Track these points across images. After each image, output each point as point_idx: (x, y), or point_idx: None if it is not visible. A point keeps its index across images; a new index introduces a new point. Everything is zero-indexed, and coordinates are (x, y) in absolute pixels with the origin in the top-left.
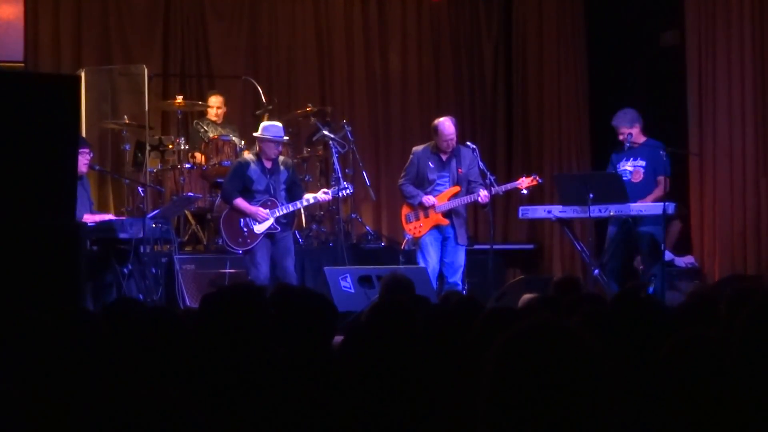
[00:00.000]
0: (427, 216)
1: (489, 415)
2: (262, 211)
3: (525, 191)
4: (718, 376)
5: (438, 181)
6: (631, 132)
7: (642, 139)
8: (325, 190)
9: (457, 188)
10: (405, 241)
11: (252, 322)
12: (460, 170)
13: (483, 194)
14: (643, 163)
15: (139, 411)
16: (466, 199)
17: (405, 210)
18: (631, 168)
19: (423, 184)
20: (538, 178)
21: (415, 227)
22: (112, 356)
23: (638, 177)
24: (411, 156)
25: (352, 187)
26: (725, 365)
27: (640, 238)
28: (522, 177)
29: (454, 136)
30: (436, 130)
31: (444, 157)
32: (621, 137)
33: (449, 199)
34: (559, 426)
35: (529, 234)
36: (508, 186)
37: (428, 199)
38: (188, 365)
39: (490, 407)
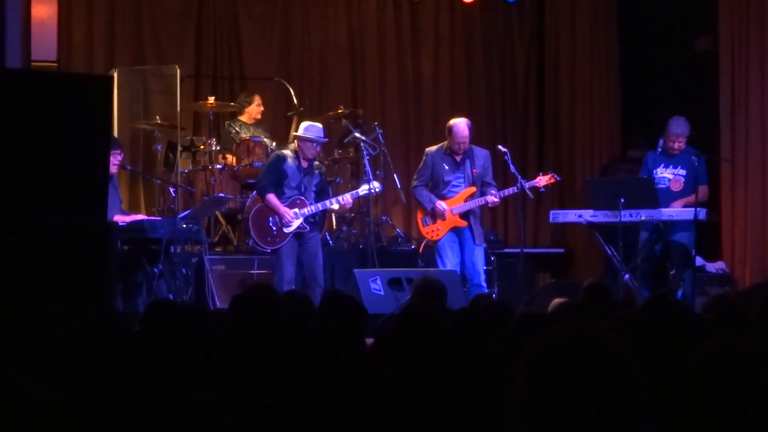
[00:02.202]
0: (444, 218)
1: (520, 420)
2: (289, 214)
3: (543, 189)
4: (748, 383)
5: (453, 182)
6: (684, 140)
7: (683, 147)
8: (352, 192)
9: (473, 189)
10: (423, 244)
11: (278, 323)
12: (474, 171)
13: (491, 200)
14: (683, 171)
15: (169, 412)
16: (480, 201)
17: (420, 213)
18: (670, 176)
19: (439, 185)
20: (556, 176)
21: (433, 230)
22: (144, 357)
23: (678, 186)
24: (424, 157)
25: (380, 186)
26: (755, 373)
27: (672, 246)
28: (539, 175)
29: (466, 140)
30: (449, 131)
31: (458, 158)
32: (676, 145)
33: (465, 201)
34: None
35: (559, 238)
36: (526, 184)
37: (440, 206)
38: (219, 366)
39: (521, 412)
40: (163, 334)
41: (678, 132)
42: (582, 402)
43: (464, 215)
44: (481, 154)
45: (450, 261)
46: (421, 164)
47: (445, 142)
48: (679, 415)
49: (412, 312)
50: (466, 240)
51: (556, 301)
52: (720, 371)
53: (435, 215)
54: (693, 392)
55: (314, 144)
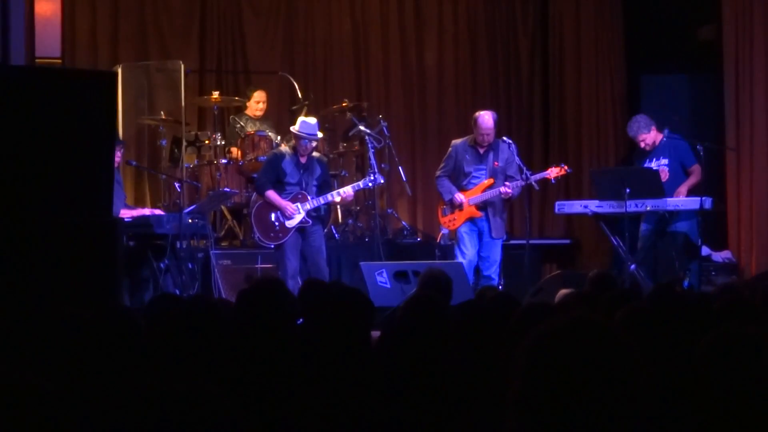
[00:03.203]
0: (461, 209)
1: (518, 410)
2: (291, 207)
3: (553, 180)
4: (757, 372)
5: (474, 174)
6: (649, 135)
7: (659, 137)
8: (353, 184)
9: (491, 181)
10: (440, 235)
11: (286, 317)
12: (496, 163)
13: (503, 190)
14: (666, 161)
15: (175, 406)
16: (495, 192)
17: (441, 204)
18: (655, 167)
19: (460, 176)
20: (566, 167)
21: (450, 220)
22: (150, 350)
23: (665, 176)
24: (450, 149)
25: (382, 177)
26: (764, 362)
27: (675, 236)
28: (551, 167)
29: (491, 131)
30: (475, 123)
31: (481, 150)
32: (642, 144)
33: (483, 192)
34: (590, 424)
35: (565, 229)
36: (537, 176)
37: (457, 197)
38: (225, 360)
39: (520, 402)
40: (166, 327)
41: (631, 134)
42: (582, 392)
43: (481, 207)
44: (506, 147)
45: (468, 252)
46: (446, 155)
47: (471, 135)
48: (688, 404)
49: (416, 305)
50: (484, 232)
51: (563, 291)
52: (729, 360)
53: (453, 206)
54: (701, 381)
55: (305, 141)
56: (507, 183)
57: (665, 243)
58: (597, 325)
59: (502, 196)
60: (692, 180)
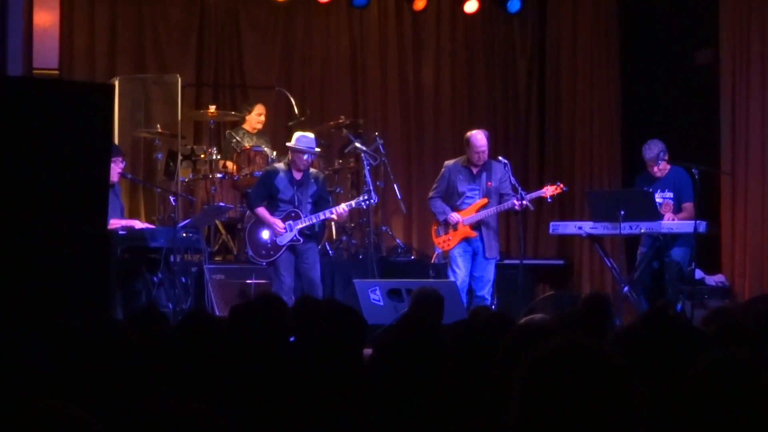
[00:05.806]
0: (455, 229)
1: None
2: (279, 225)
3: (549, 199)
4: (751, 397)
5: (468, 194)
6: (663, 162)
7: (668, 168)
8: (348, 203)
9: (485, 201)
10: (435, 254)
11: (280, 334)
12: (489, 183)
13: (517, 202)
14: (670, 194)
15: (166, 421)
16: (494, 209)
17: (434, 224)
18: (660, 200)
19: (453, 196)
20: (562, 185)
21: (444, 241)
22: (139, 364)
23: (668, 209)
24: (443, 169)
25: (376, 197)
26: (759, 386)
27: (667, 265)
28: (546, 185)
29: (485, 149)
30: (467, 143)
31: (475, 170)
32: (656, 168)
33: (477, 212)
34: None
35: (559, 250)
36: (533, 195)
37: (452, 217)
38: (218, 375)
39: (517, 426)
40: (155, 341)
41: (650, 157)
42: (578, 415)
43: (476, 227)
44: (499, 167)
45: (461, 272)
46: (439, 176)
47: (464, 156)
48: (681, 427)
49: (406, 323)
50: (477, 252)
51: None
52: (722, 383)
53: (447, 226)
54: (695, 404)
55: (305, 155)
56: (516, 199)
57: (660, 268)
58: (590, 348)
59: (517, 208)
60: (683, 215)
